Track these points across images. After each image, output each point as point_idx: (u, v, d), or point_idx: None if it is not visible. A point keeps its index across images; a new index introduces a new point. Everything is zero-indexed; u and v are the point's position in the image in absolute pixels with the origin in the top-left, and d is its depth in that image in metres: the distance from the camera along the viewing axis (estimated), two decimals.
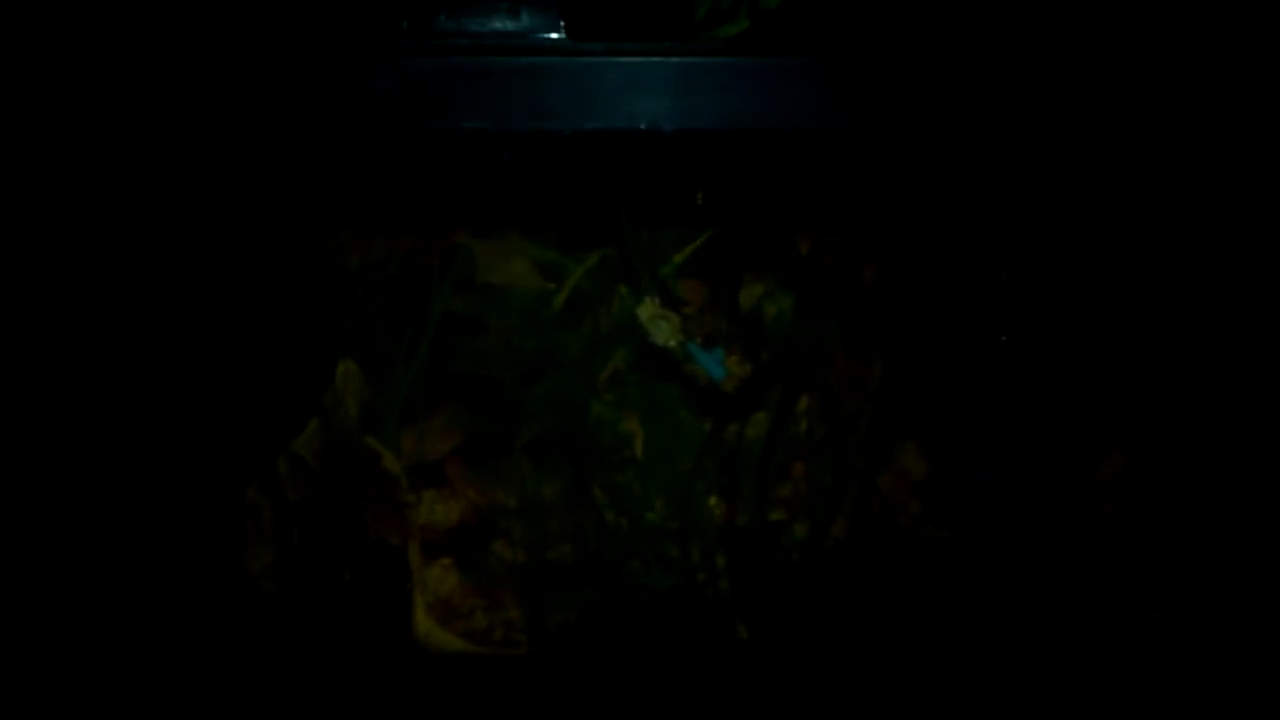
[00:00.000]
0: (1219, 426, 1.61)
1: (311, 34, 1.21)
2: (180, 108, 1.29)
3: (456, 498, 1.68)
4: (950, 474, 1.62)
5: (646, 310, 1.53)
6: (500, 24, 1.21)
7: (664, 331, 1.54)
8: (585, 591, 1.68)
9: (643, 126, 1.21)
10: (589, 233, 1.58)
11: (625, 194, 1.41)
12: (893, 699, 1.65)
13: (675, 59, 1.21)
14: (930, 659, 1.67)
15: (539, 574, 1.69)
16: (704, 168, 1.33)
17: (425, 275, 1.62)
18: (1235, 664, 1.60)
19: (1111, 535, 1.64)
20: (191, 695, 1.61)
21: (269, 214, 1.47)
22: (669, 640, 1.69)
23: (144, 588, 1.62)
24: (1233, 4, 1.46)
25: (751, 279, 1.65)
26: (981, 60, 1.29)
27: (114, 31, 1.31)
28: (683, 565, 1.69)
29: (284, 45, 1.20)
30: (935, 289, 1.61)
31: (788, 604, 1.69)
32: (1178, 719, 1.59)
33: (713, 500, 1.70)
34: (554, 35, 1.23)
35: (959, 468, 1.61)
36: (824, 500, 1.68)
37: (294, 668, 1.64)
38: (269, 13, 1.24)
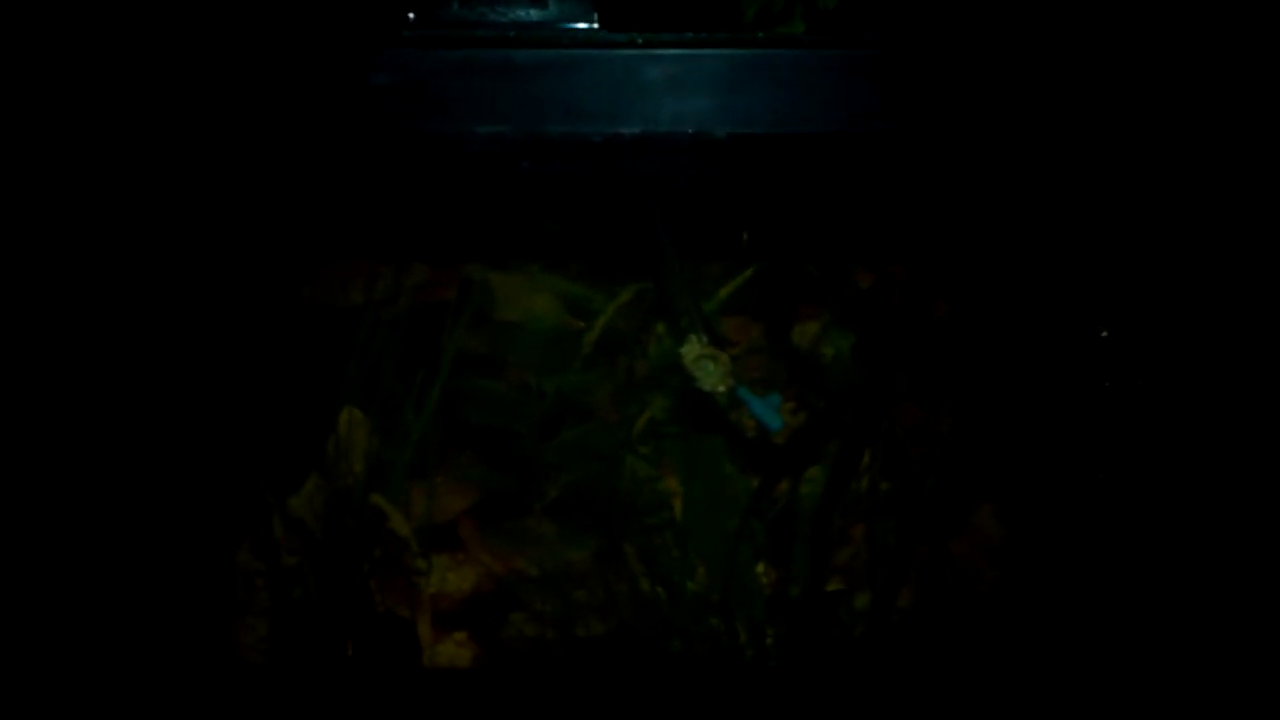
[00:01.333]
0: None
1: (304, 24, 1.04)
2: (164, 114, 1.13)
3: (471, 563, 1.51)
4: (1032, 538, 1.43)
5: (693, 350, 1.33)
6: (523, 12, 1.04)
7: (712, 375, 1.33)
8: (617, 671, 1.50)
9: (689, 130, 1.03)
10: (622, 262, 1.41)
11: (666, 210, 1.22)
12: None
13: (726, 51, 1.03)
14: None
15: (565, 651, 1.50)
16: (758, 178, 1.15)
17: (437, 312, 1.45)
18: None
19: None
20: None
21: (260, 236, 1.30)
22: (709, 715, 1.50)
23: (125, 662, 1.44)
24: None
25: (806, 316, 1.48)
26: (1088, 60, 1.11)
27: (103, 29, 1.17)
28: (728, 641, 1.50)
29: (272, 36, 1.03)
30: (1017, 328, 1.42)
31: (847, 687, 1.50)
32: None
33: (761, 567, 1.51)
34: (586, 25, 1.06)
35: (1043, 531, 1.42)
36: (888, 567, 1.49)
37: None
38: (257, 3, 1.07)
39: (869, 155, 1.10)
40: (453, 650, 1.50)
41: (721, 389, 1.32)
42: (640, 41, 1.04)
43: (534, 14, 1.05)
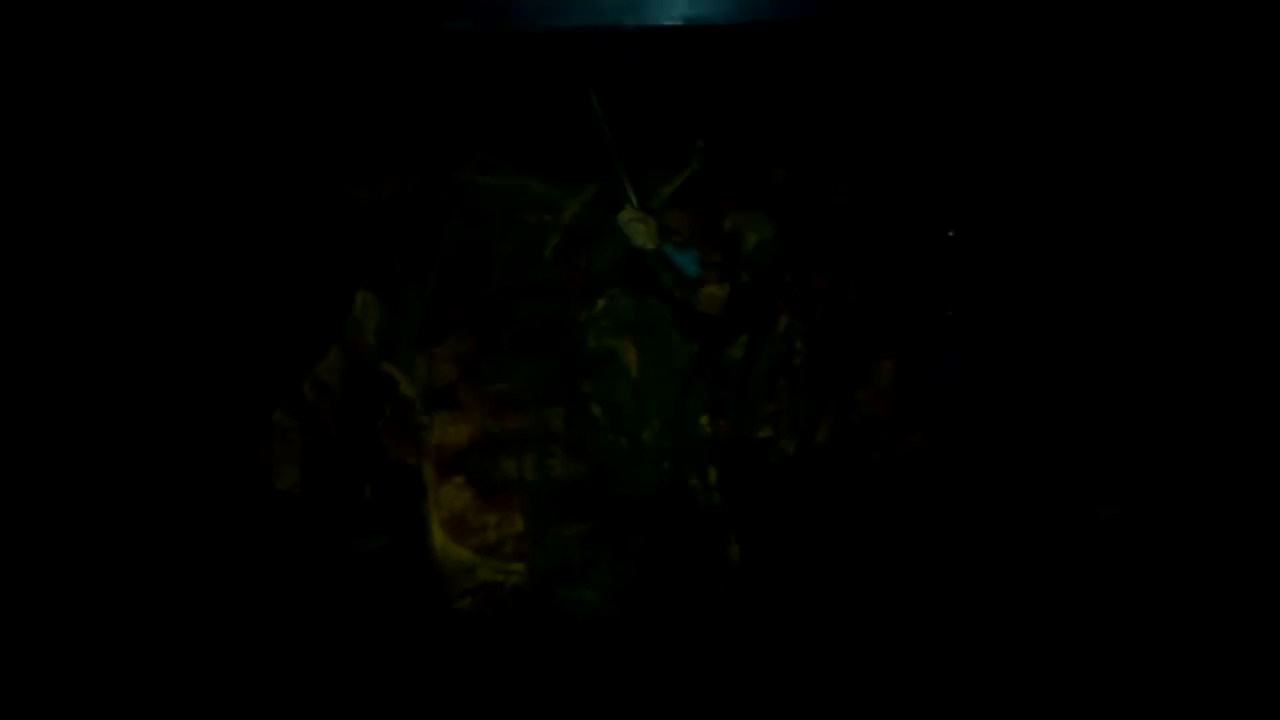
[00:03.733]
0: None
1: None
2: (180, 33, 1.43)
3: (467, 419, 1.81)
4: (920, 372, 1.75)
5: (626, 214, 1.69)
6: None
7: (641, 234, 1.69)
8: (590, 508, 1.81)
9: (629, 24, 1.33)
10: (585, 164, 1.74)
11: (608, 101, 1.55)
12: (876, 614, 1.76)
13: None
14: (914, 570, 1.78)
15: (546, 490, 1.81)
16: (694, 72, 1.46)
17: (435, 210, 1.77)
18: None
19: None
20: (221, 604, 1.73)
21: (283, 149, 1.62)
22: (665, 553, 1.80)
23: (182, 505, 1.75)
24: None
25: (735, 209, 1.80)
26: None
27: None
28: (679, 481, 1.81)
29: None
30: (904, 209, 1.75)
31: (776, 516, 1.81)
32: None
33: (704, 419, 1.82)
34: None
35: (927, 363, 1.74)
36: (807, 414, 1.81)
37: (316, 579, 1.76)
38: None
39: (788, 43, 1.40)
40: (452, 492, 1.81)
41: (650, 246, 1.68)
42: None
43: None
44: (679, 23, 1.55)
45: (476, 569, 1.80)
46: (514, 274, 1.81)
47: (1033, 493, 1.75)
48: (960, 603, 1.75)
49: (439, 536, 1.80)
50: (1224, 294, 1.73)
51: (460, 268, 1.79)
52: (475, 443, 1.81)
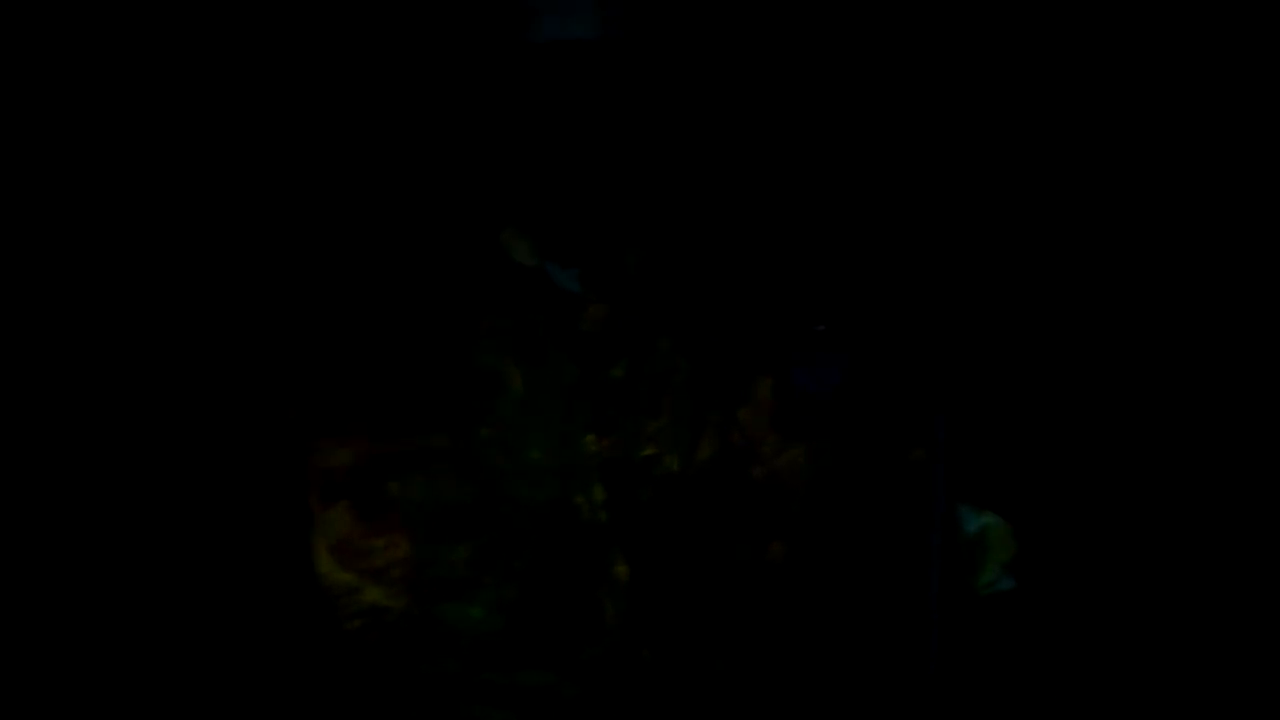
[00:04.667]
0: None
1: None
2: None
3: (351, 443, 1.82)
4: (797, 387, 1.79)
5: (507, 233, 1.71)
6: None
7: (522, 251, 1.71)
8: (476, 528, 1.83)
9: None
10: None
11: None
12: (761, 628, 1.80)
13: None
14: (796, 585, 1.82)
15: (432, 514, 1.83)
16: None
17: None
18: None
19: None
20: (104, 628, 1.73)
21: None
22: (553, 573, 1.83)
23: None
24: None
25: (615, 231, 1.82)
26: None
27: None
28: (563, 499, 1.83)
29: None
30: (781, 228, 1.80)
31: (661, 532, 1.84)
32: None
33: (589, 438, 1.85)
34: None
35: (803, 379, 1.78)
36: (689, 433, 1.84)
37: (207, 605, 1.77)
38: None
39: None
40: (337, 517, 1.82)
41: (531, 262, 1.70)
42: None
43: None
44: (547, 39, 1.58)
45: (363, 592, 1.81)
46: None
47: (913, 503, 1.79)
48: (843, 616, 1.79)
49: (325, 562, 1.81)
50: (1115, 308, 1.79)
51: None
52: (359, 466, 1.83)
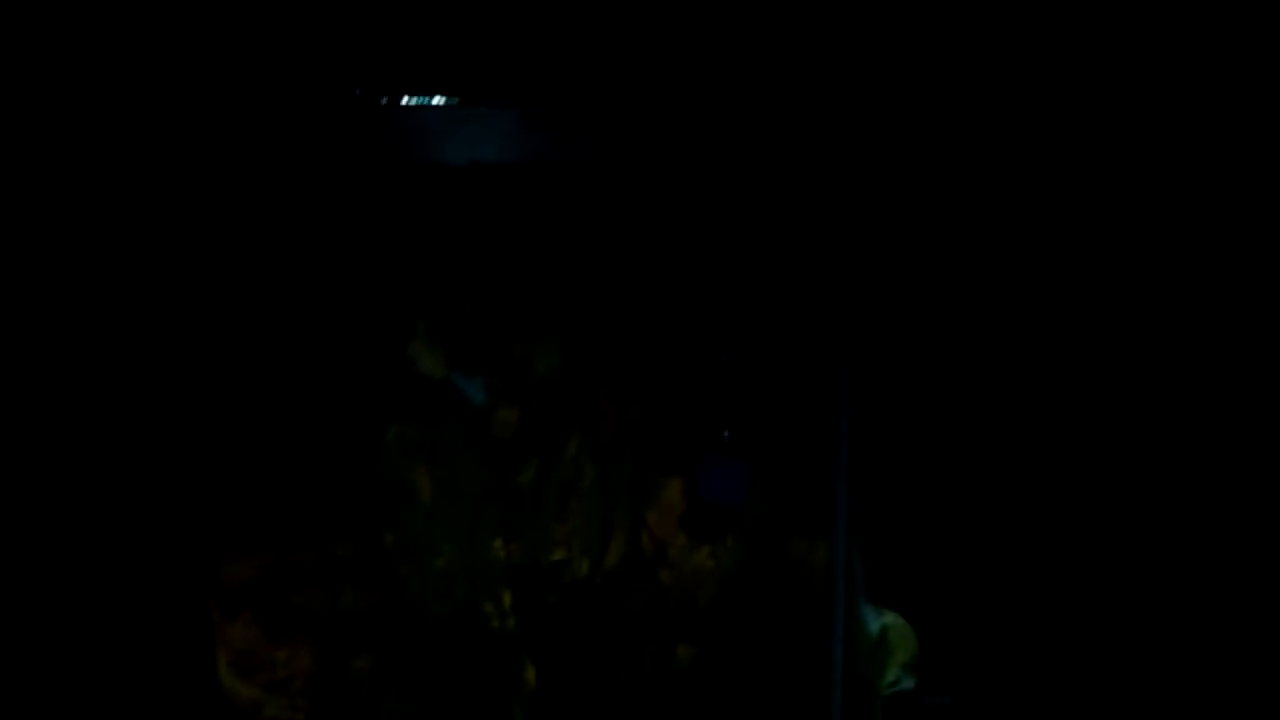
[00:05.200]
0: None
1: None
2: None
3: (254, 553, 1.78)
4: (703, 491, 1.82)
5: (415, 344, 1.72)
6: None
7: (429, 361, 1.72)
8: (381, 638, 1.80)
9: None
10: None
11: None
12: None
13: None
14: (706, 687, 1.84)
15: (335, 623, 1.79)
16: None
17: None
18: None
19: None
20: None
21: None
22: (460, 682, 1.81)
23: None
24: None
25: (522, 335, 1.84)
26: None
27: None
28: (470, 605, 1.82)
29: None
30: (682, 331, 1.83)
31: (570, 637, 1.84)
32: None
33: (498, 543, 1.84)
34: None
35: (709, 482, 1.81)
36: (598, 535, 1.85)
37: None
38: None
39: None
40: (239, 629, 1.77)
41: (438, 374, 1.71)
42: None
43: None
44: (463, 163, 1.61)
45: (264, 706, 1.76)
46: None
47: (817, 604, 1.82)
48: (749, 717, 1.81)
49: (226, 675, 1.76)
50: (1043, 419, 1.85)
51: None
52: (262, 577, 1.79)
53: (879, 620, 1.81)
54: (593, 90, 1.69)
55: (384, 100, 1.65)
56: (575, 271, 1.80)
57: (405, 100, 1.65)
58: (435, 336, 1.75)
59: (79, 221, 1.65)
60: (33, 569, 1.70)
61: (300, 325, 1.76)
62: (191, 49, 1.62)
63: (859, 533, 1.80)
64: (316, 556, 1.79)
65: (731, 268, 1.82)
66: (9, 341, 1.64)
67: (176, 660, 1.75)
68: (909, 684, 1.81)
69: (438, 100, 1.66)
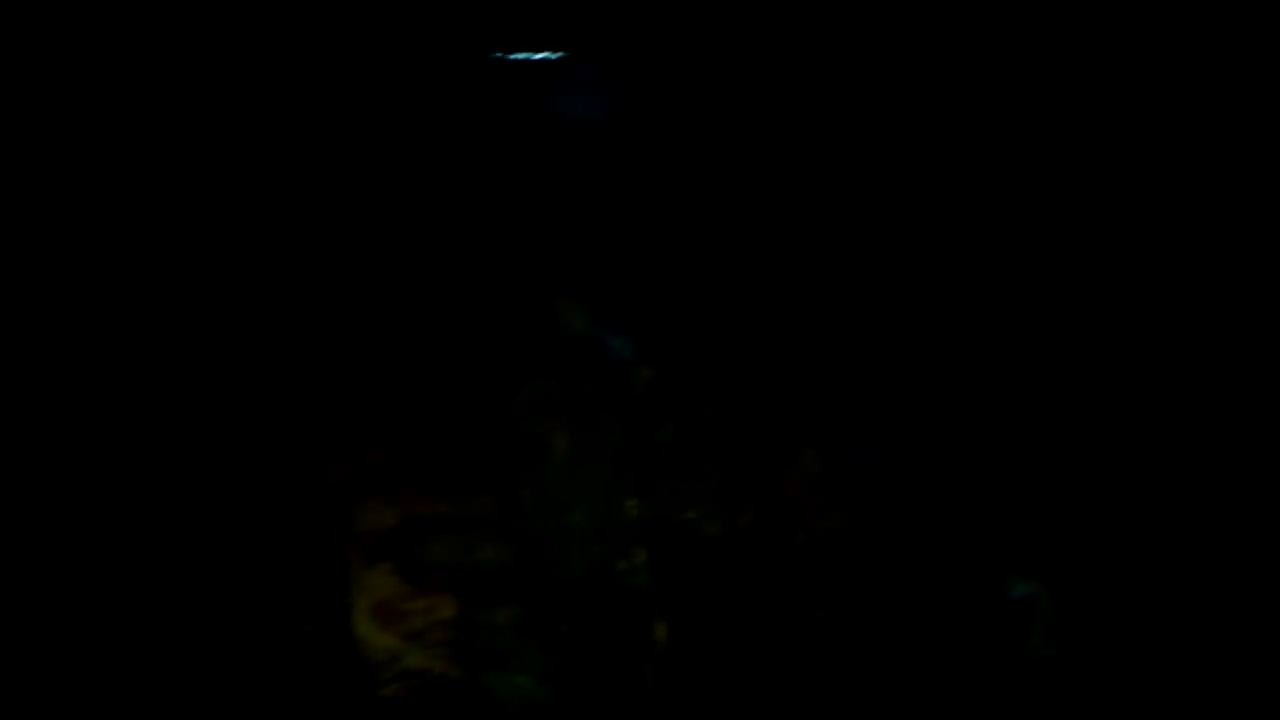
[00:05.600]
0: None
1: None
2: None
3: (395, 504, 1.80)
4: (840, 456, 1.80)
5: (563, 301, 1.73)
6: None
7: (577, 318, 1.73)
8: (519, 593, 1.81)
9: None
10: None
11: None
12: (803, 693, 1.80)
13: None
14: (838, 649, 1.83)
15: (474, 576, 1.81)
16: None
17: None
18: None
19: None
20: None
21: None
22: (596, 639, 1.82)
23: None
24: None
25: (667, 299, 1.84)
26: None
27: None
28: (605, 563, 1.83)
29: None
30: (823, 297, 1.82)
31: (702, 596, 1.84)
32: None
33: (631, 501, 1.84)
34: None
35: (844, 451, 1.80)
36: (732, 498, 1.84)
37: (237, 663, 1.74)
38: None
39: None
40: (379, 578, 1.80)
41: (585, 329, 1.72)
42: None
43: None
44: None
45: (403, 656, 1.78)
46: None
47: (953, 572, 1.80)
48: (887, 682, 1.79)
49: (364, 623, 1.78)
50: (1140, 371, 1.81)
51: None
52: (403, 527, 1.81)
53: (1022, 588, 1.79)
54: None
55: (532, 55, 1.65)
56: (720, 230, 1.80)
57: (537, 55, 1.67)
58: (582, 295, 1.76)
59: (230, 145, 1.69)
60: (171, 513, 1.74)
61: (446, 279, 1.78)
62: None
63: (1001, 500, 1.78)
64: (455, 509, 1.81)
65: (872, 232, 1.81)
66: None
67: (314, 609, 1.78)
68: (1048, 652, 1.79)
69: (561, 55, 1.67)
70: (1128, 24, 1.70)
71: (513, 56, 1.69)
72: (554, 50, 1.71)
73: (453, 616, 1.79)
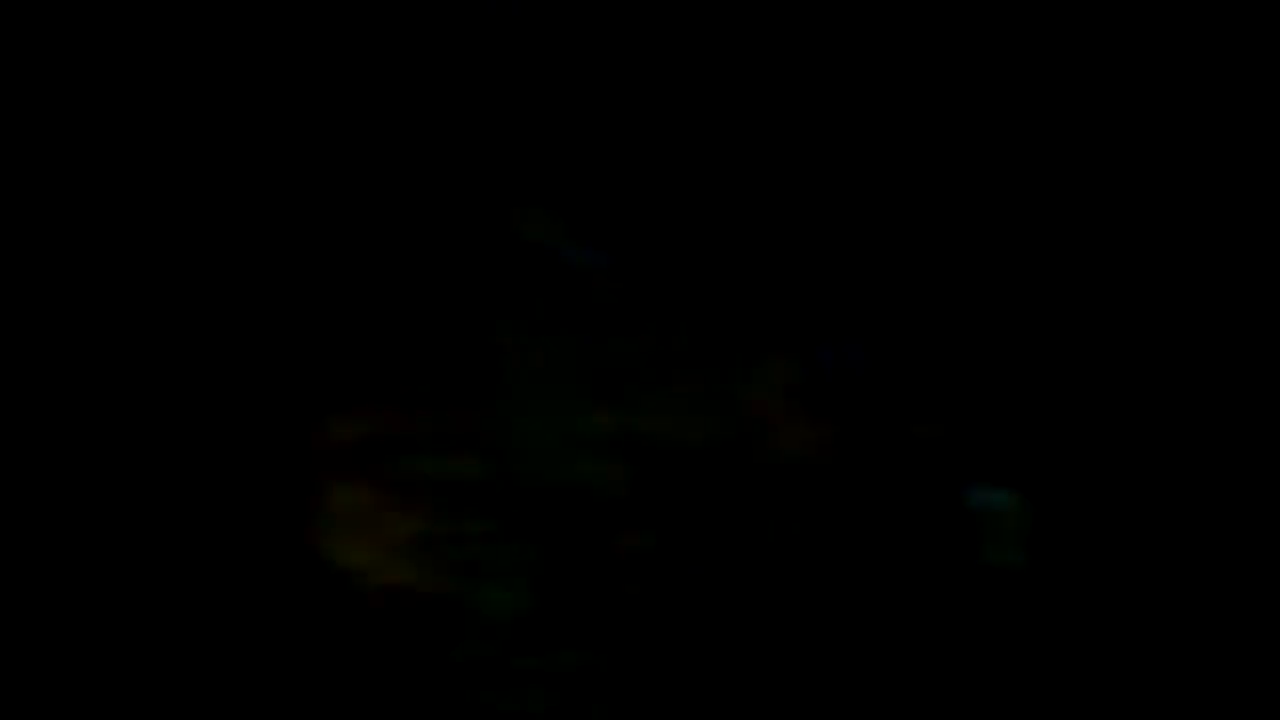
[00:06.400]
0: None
1: None
2: None
3: (364, 418, 1.77)
4: (821, 362, 1.80)
5: (523, 212, 1.70)
6: None
7: (538, 228, 1.71)
8: (491, 506, 1.79)
9: None
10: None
11: None
12: (778, 603, 1.81)
13: None
14: (812, 563, 1.83)
15: (446, 490, 1.79)
16: None
17: None
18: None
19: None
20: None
21: None
22: (572, 551, 1.81)
23: None
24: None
25: (633, 209, 1.80)
26: None
27: None
28: (579, 475, 1.81)
29: None
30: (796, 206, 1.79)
31: (681, 508, 1.83)
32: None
33: (602, 414, 1.82)
34: None
35: (827, 352, 1.79)
36: (701, 409, 1.83)
37: (205, 583, 1.71)
38: None
39: None
40: (348, 493, 1.77)
41: (547, 240, 1.70)
42: None
43: None
44: None
45: (377, 570, 1.77)
46: None
47: (933, 484, 1.80)
48: (857, 598, 1.80)
49: (336, 539, 1.76)
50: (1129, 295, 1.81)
51: None
52: (371, 441, 1.78)
53: (991, 496, 1.80)
54: None
55: None
56: (688, 140, 1.75)
57: None
58: (544, 205, 1.71)
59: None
60: (135, 429, 1.69)
61: (412, 189, 1.72)
62: None
63: (971, 411, 1.78)
64: (424, 423, 1.78)
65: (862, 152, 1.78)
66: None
67: (280, 523, 1.76)
68: (1018, 559, 1.80)
69: None
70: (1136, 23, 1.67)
71: None
72: None
73: (427, 530, 1.77)
